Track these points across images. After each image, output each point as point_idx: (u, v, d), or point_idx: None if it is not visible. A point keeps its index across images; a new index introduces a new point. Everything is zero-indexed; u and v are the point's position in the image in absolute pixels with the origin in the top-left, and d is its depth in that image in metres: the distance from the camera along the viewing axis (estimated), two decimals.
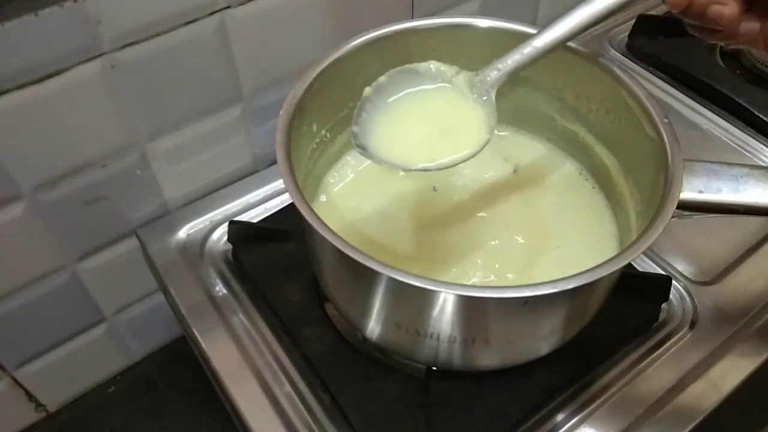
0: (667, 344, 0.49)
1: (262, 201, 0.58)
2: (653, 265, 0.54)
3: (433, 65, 0.43)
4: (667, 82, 0.70)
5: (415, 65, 0.43)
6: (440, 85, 0.43)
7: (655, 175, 0.40)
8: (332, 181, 0.50)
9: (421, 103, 0.43)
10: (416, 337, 0.38)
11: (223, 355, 0.47)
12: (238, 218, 0.56)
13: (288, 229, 0.53)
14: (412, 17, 0.62)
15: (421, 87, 0.43)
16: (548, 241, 0.47)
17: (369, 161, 0.51)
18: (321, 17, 0.55)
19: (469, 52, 0.48)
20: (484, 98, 0.42)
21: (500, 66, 0.41)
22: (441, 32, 0.47)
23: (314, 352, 0.46)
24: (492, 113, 0.42)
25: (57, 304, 0.55)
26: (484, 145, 0.41)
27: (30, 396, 0.59)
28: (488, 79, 0.42)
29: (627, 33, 0.75)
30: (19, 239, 0.49)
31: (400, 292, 0.36)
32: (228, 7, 0.49)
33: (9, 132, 0.43)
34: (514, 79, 0.49)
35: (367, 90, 0.42)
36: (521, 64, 0.41)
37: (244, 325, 0.49)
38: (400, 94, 0.43)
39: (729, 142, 0.64)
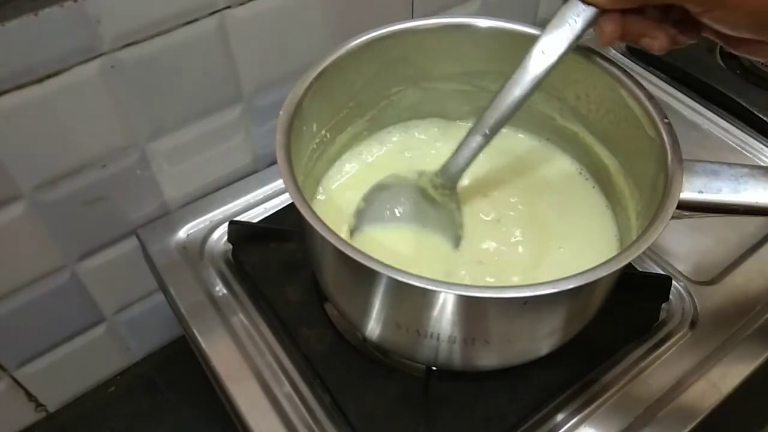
0: (667, 344, 0.49)
1: (262, 201, 0.58)
2: (653, 265, 0.54)
3: (395, 177, 0.47)
4: (667, 82, 0.70)
5: (382, 181, 0.47)
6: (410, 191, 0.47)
7: (655, 175, 0.40)
8: (332, 181, 0.50)
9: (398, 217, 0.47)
10: (416, 337, 0.38)
11: (223, 355, 0.47)
12: (238, 218, 0.56)
13: (288, 229, 0.53)
14: (412, 17, 0.62)
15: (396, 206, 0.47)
16: (548, 241, 0.47)
17: (369, 161, 0.52)
18: (321, 17, 0.55)
19: (469, 52, 0.48)
20: (449, 196, 0.46)
21: (453, 167, 0.44)
22: (441, 32, 0.47)
23: (314, 352, 0.46)
24: (457, 208, 0.46)
25: (57, 304, 0.55)
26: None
27: (30, 396, 0.59)
28: (448, 181, 0.45)
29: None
30: (19, 239, 0.49)
31: (400, 292, 0.36)
32: (228, 7, 0.49)
33: (9, 132, 0.43)
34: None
35: (355, 212, 0.47)
36: (472, 157, 0.43)
37: (244, 325, 0.49)
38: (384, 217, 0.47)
39: (729, 142, 0.64)
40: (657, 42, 0.39)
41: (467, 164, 0.44)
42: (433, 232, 0.46)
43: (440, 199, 0.46)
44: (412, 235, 0.46)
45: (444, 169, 0.45)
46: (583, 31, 0.39)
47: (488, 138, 0.42)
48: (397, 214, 0.47)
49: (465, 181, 0.50)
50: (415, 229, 0.46)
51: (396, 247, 0.45)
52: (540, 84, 0.40)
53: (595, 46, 0.45)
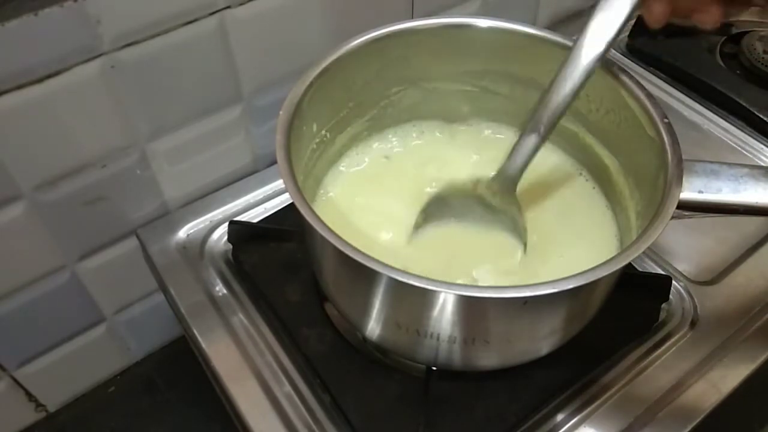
0: (667, 344, 0.49)
1: (262, 201, 0.58)
2: (653, 265, 0.54)
3: (450, 186, 0.46)
4: (667, 82, 0.70)
5: (439, 193, 0.46)
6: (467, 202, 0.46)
7: (655, 175, 0.40)
8: (332, 181, 0.50)
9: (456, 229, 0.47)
10: (416, 337, 0.38)
11: (223, 355, 0.47)
12: (238, 218, 0.56)
13: (288, 229, 0.53)
14: (412, 17, 0.62)
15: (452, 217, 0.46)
16: (548, 241, 0.47)
17: (369, 161, 0.52)
18: (321, 17, 0.55)
19: (469, 52, 0.48)
20: (508, 200, 0.45)
21: (510, 170, 0.43)
22: (441, 32, 0.47)
23: (314, 352, 0.46)
24: (518, 212, 0.45)
25: (57, 304, 0.55)
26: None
27: (30, 396, 0.59)
28: (505, 185, 0.44)
29: (627, 33, 0.75)
30: (19, 239, 0.49)
31: (400, 292, 0.36)
32: (228, 7, 0.49)
33: (9, 132, 0.43)
34: (513, 80, 0.50)
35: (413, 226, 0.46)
36: (530, 158, 0.42)
37: (244, 325, 0.49)
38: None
39: (729, 142, 0.64)
40: (709, 16, 0.37)
41: (524, 166, 0.42)
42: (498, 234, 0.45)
43: (500, 206, 0.45)
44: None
45: (500, 174, 0.43)
46: (632, 13, 0.38)
47: (544, 136, 0.41)
48: (455, 226, 0.46)
49: (465, 181, 0.50)
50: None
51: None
52: (591, 74, 0.39)
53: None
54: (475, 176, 0.46)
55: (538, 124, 0.40)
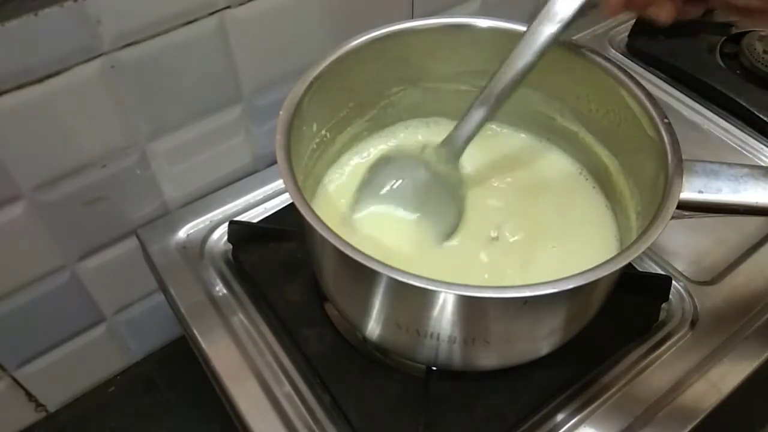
0: (667, 344, 0.49)
1: (262, 201, 0.58)
2: (653, 265, 0.54)
3: (398, 149, 0.48)
4: (667, 82, 0.70)
5: (386, 154, 0.48)
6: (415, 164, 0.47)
7: (655, 175, 0.40)
8: (332, 181, 0.50)
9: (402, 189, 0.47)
10: (416, 337, 0.38)
11: (223, 355, 0.47)
12: (238, 218, 0.56)
13: (288, 229, 0.53)
14: (412, 17, 0.62)
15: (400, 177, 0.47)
16: (548, 240, 0.47)
17: (369, 161, 0.52)
18: (321, 17, 0.55)
19: (469, 52, 0.48)
20: (452, 168, 0.46)
21: (457, 139, 0.44)
22: (441, 32, 0.47)
23: (314, 352, 0.46)
24: (460, 181, 0.46)
25: (57, 304, 0.55)
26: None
27: (30, 396, 0.59)
28: (452, 152, 0.45)
29: (627, 33, 0.75)
30: (19, 239, 0.49)
31: (400, 292, 0.36)
32: (228, 7, 0.49)
33: (9, 132, 0.43)
34: None
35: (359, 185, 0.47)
36: (476, 129, 0.43)
37: (244, 325, 0.49)
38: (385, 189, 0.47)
39: (729, 142, 0.64)
40: (663, 11, 0.38)
41: (471, 136, 0.43)
42: (430, 217, 0.46)
43: (444, 171, 0.46)
44: (411, 221, 0.46)
45: (448, 141, 0.45)
46: (586, 1, 0.39)
47: (492, 109, 0.42)
48: (400, 188, 0.46)
49: (464, 181, 0.50)
50: (415, 210, 0.46)
51: (391, 233, 0.46)
52: (544, 53, 0.40)
53: (595, 47, 0.45)
54: (423, 141, 0.47)
55: (488, 97, 0.42)
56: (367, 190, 0.47)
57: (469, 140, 0.44)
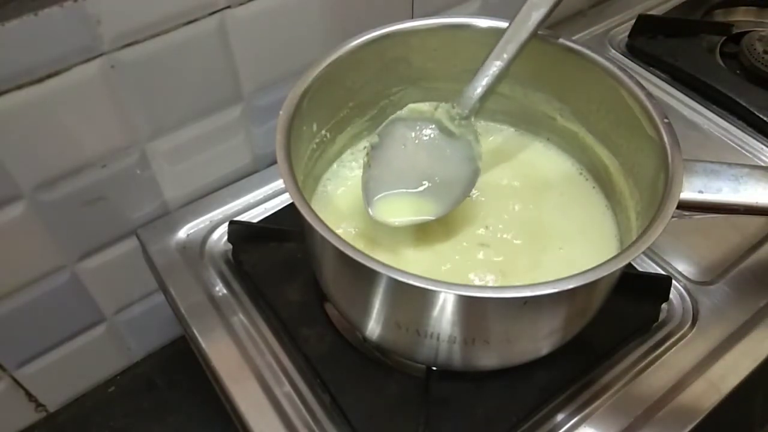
0: (667, 344, 0.49)
1: (262, 201, 0.58)
2: (653, 265, 0.54)
3: (410, 110, 0.46)
4: (667, 82, 0.70)
5: (397, 115, 0.46)
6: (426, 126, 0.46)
7: (655, 175, 0.40)
8: (332, 181, 0.50)
9: (413, 152, 0.46)
10: (416, 337, 0.38)
11: (223, 355, 0.47)
12: (238, 218, 0.56)
13: (288, 229, 0.53)
14: (412, 17, 0.62)
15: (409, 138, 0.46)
16: (548, 241, 0.47)
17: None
18: (321, 17, 0.55)
19: (469, 52, 0.48)
20: (465, 127, 0.45)
21: (470, 94, 0.44)
22: (441, 32, 0.47)
23: (314, 352, 0.46)
24: (475, 139, 0.45)
25: (57, 304, 0.55)
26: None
27: (30, 396, 0.59)
28: (465, 110, 0.44)
29: (627, 33, 0.75)
30: (19, 239, 0.49)
31: (400, 292, 0.36)
32: (228, 7, 0.49)
33: (9, 132, 0.43)
34: (513, 80, 0.50)
35: (368, 147, 0.45)
36: (490, 84, 0.43)
37: (244, 325, 0.49)
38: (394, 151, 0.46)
39: (729, 142, 0.64)
40: None
41: (485, 91, 0.43)
42: (439, 185, 0.45)
43: (457, 130, 0.45)
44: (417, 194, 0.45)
45: (461, 98, 0.44)
46: None
47: (508, 63, 0.42)
48: (409, 153, 0.45)
49: None
50: (424, 176, 0.45)
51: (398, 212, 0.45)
52: (555, 7, 0.40)
53: (595, 47, 0.45)
54: (435, 103, 0.46)
55: (502, 52, 0.42)
56: (376, 154, 0.45)
57: (481, 97, 0.43)
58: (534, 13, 0.40)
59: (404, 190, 0.45)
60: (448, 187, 0.45)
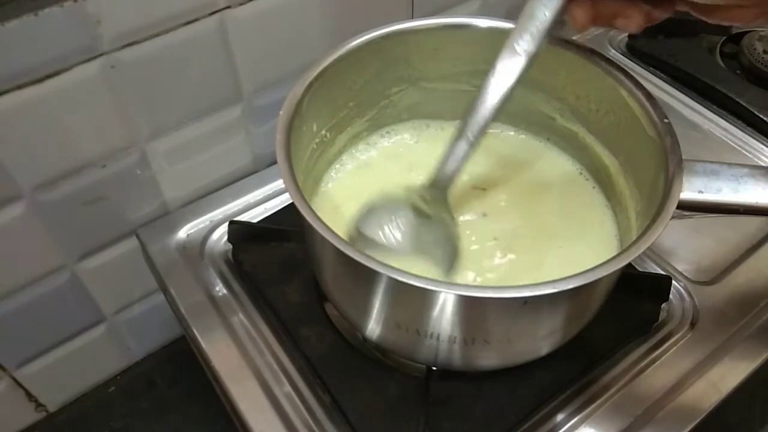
0: (667, 344, 0.49)
1: (262, 201, 0.58)
2: (653, 265, 0.54)
3: (382, 199, 0.44)
4: (667, 82, 0.70)
5: (370, 203, 0.44)
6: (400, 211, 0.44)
7: (655, 175, 0.40)
8: (332, 181, 0.50)
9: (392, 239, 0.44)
10: (416, 337, 0.38)
11: (223, 355, 0.47)
12: (238, 218, 0.56)
13: (288, 229, 0.53)
14: (412, 17, 0.62)
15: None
16: (548, 241, 0.47)
17: (368, 161, 0.52)
18: (321, 17, 0.55)
19: (469, 52, 0.48)
20: (439, 206, 0.43)
21: (442, 178, 0.42)
22: (441, 32, 0.47)
23: (314, 352, 0.46)
24: (450, 218, 0.43)
25: (57, 304, 0.55)
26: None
27: (30, 396, 0.59)
28: (437, 192, 0.43)
29: (627, 33, 0.75)
30: (19, 239, 0.49)
31: (400, 292, 0.36)
32: (228, 7, 0.49)
33: (9, 132, 0.43)
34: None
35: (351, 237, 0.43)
36: (460, 165, 0.41)
37: (244, 325, 0.49)
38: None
39: (729, 142, 0.64)
40: (632, 22, 0.37)
41: (455, 173, 0.42)
42: (427, 258, 0.43)
43: (433, 212, 0.44)
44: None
45: (432, 181, 0.43)
46: (554, 22, 0.38)
47: (473, 143, 0.40)
48: (392, 240, 0.43)
49: (464, 181, 0.50)
50: (411, 257, 0.43)
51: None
52: (517, 83, 0.39)
53: (595, 47, 0.45)
54: (406, 184, 0.44)
55: (467, 131, 0.40)
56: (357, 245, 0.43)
57: (453, 178, 0.42)
58: (493, 95, 0.39)
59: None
60: (435, 259, 0.44)
